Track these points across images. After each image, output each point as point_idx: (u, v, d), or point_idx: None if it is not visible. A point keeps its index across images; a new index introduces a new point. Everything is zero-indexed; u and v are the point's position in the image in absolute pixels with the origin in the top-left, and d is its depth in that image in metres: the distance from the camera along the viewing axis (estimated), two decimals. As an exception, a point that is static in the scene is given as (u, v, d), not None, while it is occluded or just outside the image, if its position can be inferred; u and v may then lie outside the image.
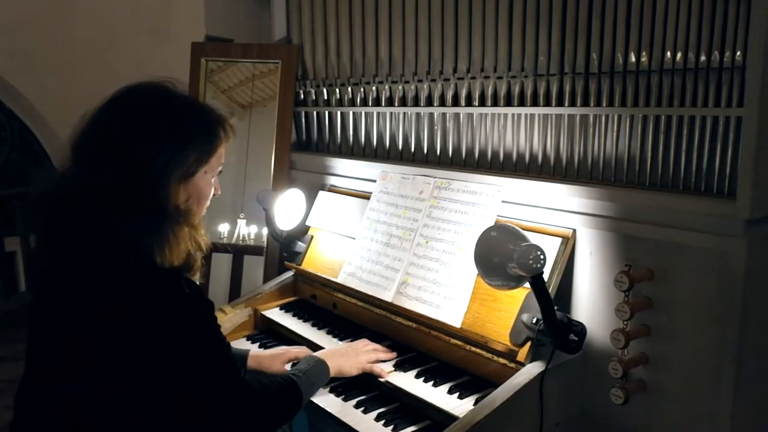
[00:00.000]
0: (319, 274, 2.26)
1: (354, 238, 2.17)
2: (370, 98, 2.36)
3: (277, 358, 1.89)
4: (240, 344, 2.18)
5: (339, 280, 2.15)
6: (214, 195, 1.54)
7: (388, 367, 1.82)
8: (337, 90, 2.48)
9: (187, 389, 1.37)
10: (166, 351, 1.33)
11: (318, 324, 2.15)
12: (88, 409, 1.34)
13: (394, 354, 1.85)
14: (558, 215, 1.76)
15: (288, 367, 1.86)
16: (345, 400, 1.75)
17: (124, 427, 1.34)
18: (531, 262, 1.45)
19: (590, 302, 1.70)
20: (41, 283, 1.45)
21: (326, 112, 2.54)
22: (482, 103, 2.03)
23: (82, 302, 1.33)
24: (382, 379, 1.77)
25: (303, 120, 2.68)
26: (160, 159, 1.35)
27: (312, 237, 2.39)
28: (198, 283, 1.42)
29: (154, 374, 1.33)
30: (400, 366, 1.83)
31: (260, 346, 2.13)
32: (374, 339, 2.00)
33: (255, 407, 1.48)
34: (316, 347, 2.02)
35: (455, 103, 2.10)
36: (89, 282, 1.32)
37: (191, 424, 1.39)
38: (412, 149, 2.27)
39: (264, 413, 1.51)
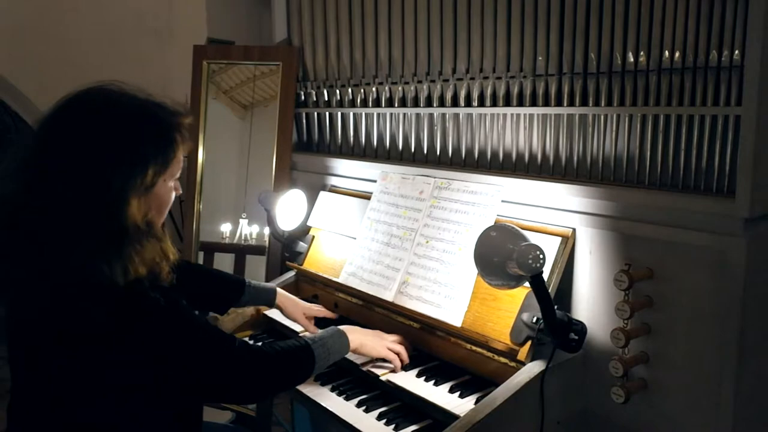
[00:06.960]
0: (320, 273, 2.27)
1: (355, 238, 2.18)
2: (370, 99, 2.37)
3: (298, 307, 2.02)
4: (242, 344, 2.19)
5: (340, 279, 2.16)
6: (176, 196, 1.45)
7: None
8: (338, 91, 2.49)
9: (192, 379, 1.38)
10: (158, 361, 1.31)
11: (319, 324, 2.15)
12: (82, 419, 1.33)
13: (407, 360, 1.82)
14: (558, 214, 1.76)
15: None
16: (347, 399, 1.76)
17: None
18: (530, 261, 1.45)
19: (590, 301, 1.71)
20: (10, 306, 1.35)
21: (327, 113, 2.55)
22: (481, 104, 2.03)
23: (55, 332, 1.27)
24: (382, 378, 1.77)
25: (304, 121, 2.69)
26: (117, 181, 1.25)
27: (313, 237, 2.40)
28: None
29: (153, 383, 1.32)
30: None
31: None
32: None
33: (262, 365, 1.51)
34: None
35: (455, 103, 2.10)
36: (57, 311, 1.25)
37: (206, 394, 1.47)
38: (412, 149, 2.28)
39: (272, 371, 1.53)
